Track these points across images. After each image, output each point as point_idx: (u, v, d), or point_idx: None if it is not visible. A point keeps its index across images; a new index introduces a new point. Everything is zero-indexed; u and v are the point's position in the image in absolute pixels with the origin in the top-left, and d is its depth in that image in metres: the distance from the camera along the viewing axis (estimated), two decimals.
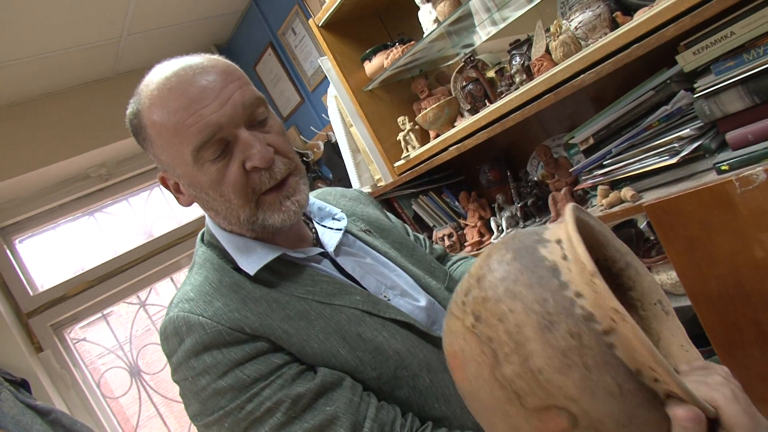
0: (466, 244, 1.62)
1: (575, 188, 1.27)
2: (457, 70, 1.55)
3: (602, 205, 1.14)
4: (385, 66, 1.56)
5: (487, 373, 0.43)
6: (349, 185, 1.93)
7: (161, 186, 0.76)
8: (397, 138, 1.64)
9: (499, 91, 1.38)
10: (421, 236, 1.04)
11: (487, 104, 1.39)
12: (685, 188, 0.95)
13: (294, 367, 0.66)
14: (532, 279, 0.43)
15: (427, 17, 1.43)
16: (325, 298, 0.72)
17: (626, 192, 1.09)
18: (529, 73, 1.27)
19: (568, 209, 0.48)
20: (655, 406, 0.40)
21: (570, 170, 1.29)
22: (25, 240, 2.59)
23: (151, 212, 2.91)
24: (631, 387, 0.40)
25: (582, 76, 1.08)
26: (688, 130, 1.00)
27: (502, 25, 1.53)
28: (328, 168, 2.43)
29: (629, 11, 1.08)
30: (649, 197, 1.04)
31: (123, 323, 2.78)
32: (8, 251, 2.47)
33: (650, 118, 1.05)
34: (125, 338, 2.73)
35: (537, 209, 1.45)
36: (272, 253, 0.73)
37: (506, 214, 1.51)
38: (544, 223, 1.36)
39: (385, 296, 0.77)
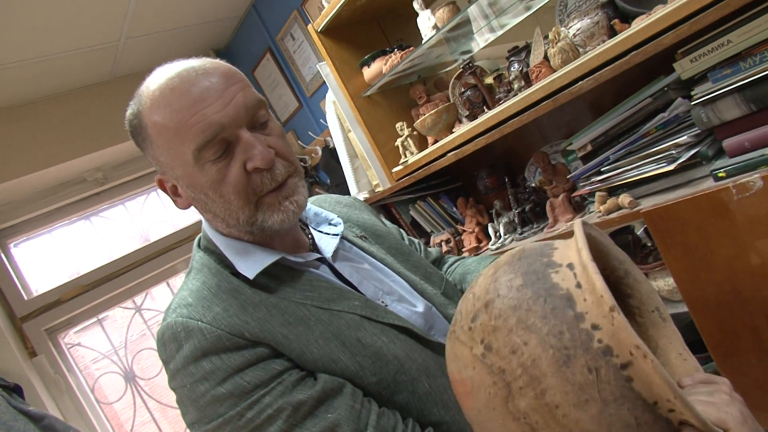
0: (463, 249, 1.62)
1: (573, 195, 1.28)
2: (455, 76, 1.55)
3: (600, 212, 1.14)
4: (383, 72, 1.56)
5: (500, 404, 0.43)
6: (346, 190, 1.93)
7: (158, 189, 0.76)
8: (395, 144, 1.64)
9: (497, 97, 1.38)
10: (416, 240, 1.04)
11: (486, 110, 1.40)
12: (682, 195, 0.96)
13: (294, 373, 0.65)
14: (545, 309, 0.42)
15: (426, 23, 1.44)
16: (323, 303, 0.71)
17: (624, 198, 1.09)
18: (527, 79, 1.28)
19: (578, 229, 0.47)
20: None
21: (568, 177, 1.30)
22: (20, 244, 2.57)
23: (148, 216, 2.90)
24: (647, 419, 0.39)
25: (580, 83, 1.09)
26: (685, 137, 1.00)
27: (500, 32, 1.54)
28: (326, 173, 2.42)
29: (627, 19, 1.09)
30: (646, 204, 1.05)
31: (118, 328, 2.77)
32: (3, 255, 2.46)
33: (648, 125, 1.05)
34: (120, 343, 2.71)
35: (535, 215, 1.45)
36: (271, 256, 0.72)
37: (504, 220, 1.51)
38: (542, 229, 1.36)
39: (382, 302, 0.77)
